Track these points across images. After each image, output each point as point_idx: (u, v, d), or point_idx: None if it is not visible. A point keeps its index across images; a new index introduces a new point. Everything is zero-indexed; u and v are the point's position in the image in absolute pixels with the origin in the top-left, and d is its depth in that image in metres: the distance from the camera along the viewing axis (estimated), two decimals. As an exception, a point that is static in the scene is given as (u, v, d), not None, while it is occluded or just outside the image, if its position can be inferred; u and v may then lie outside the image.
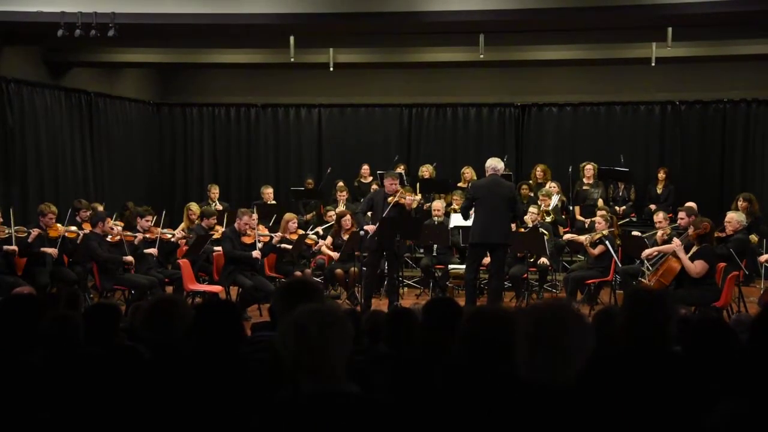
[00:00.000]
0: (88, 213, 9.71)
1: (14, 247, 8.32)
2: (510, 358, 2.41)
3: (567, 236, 10.23)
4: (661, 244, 8.80)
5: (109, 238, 8.85)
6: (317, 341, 2.28)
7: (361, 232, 9.15)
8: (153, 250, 9.14)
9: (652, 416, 2.72)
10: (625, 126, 13.31)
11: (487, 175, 8.58)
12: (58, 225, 8.94)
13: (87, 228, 9.18)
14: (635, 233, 9.80)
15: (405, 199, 8.88)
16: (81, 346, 3.60)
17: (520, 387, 2.29)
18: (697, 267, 7.54)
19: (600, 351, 3.70)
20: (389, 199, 8.81)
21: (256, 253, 8.94)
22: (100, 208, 10.07)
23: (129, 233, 9.03)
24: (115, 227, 9.11)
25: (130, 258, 8.77)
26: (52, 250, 8.64)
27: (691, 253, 7.67)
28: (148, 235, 9.23)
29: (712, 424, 2.16)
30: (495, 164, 8.54)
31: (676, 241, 7.90)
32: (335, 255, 10.03)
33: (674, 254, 7.76)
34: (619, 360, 2.97)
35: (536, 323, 2.32)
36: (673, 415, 2.73)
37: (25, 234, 8.52)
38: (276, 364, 2.39)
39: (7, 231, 8.44)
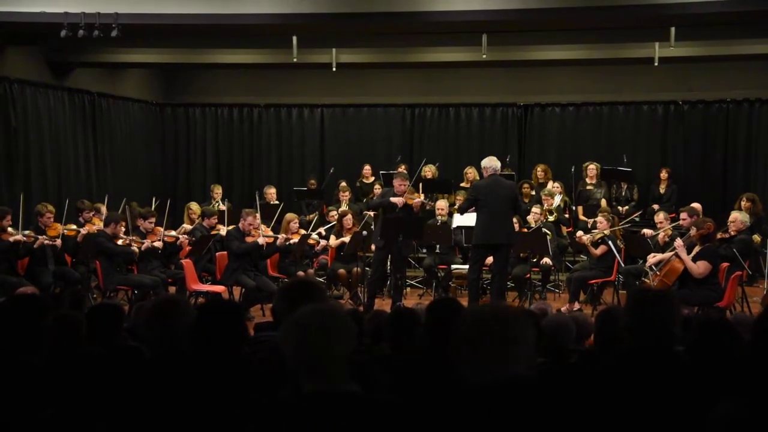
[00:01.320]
0: (90, 213, 9.72)
1: (19, 237, 8.32)
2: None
3: (578, 233, 10.14)
4: (663, 245, 8.80)
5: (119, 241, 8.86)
6: (319, 341, 2.28)
7: (364, 232, 9.13)
8: (159, 244, 9.13)
9: (656, 416, 2.72)
10: (627, 126, 13.30)
11: (486, 175, 8.57)
12: (57, 224, 8.95)
13: (89, 228, 9.20)
14: (648, 231, 9.75)
15: (413, 200, 8.88)
16: (84, 346, 3.61)
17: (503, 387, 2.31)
18: (699, 267, 7.53)
19: (603, 351, 3.71)
20: (393, 199, 8.81)
21: (262, 240, 9.04)
22: (103, 208, 10.07)
23: (137, 239, 9.01)
24: (121, 227, 9.10)
25: (135, 249, 8.80)
26: (56, 242, 8.65)
27: (693, 253, 7.67)
28: (151, 238, 9.22)
29: (712, 424, 2.16)
30: (493, 164, 8.53)
31: (678, 241, 7.89)
32: (338, 242, 10.06)
33: (677, 255, 7.75)
34: (623, 360, 2.96)
35: (476, 325, 2.34)
36: (677, 415, 2.73)
37: (33, 239, 8.53)
38: (283, 365, 2.39)
39: (14, 233, 8.44)
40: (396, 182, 8.97)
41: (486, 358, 2.30)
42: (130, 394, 2.95)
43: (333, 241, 10.23)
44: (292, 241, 9.52)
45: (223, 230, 9.91)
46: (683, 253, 7.64)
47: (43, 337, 3.44)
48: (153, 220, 9.43)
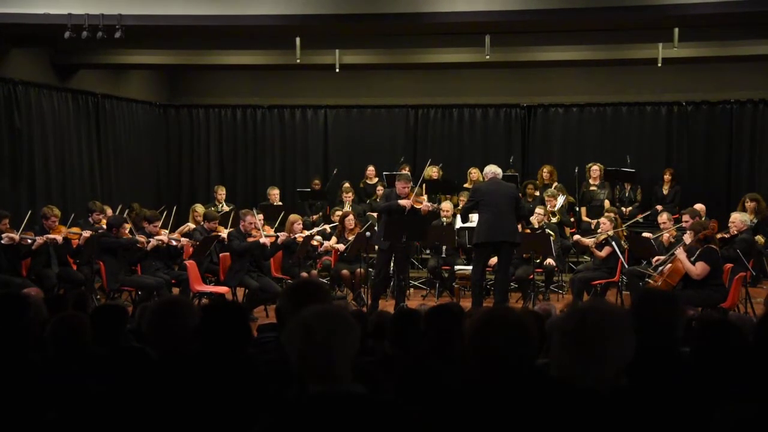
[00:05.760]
0: (100, 216, 9.72)
1: (14, 235, 8.25)
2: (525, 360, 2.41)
3: (575, 237, 10.18)
4: (667, 246, 8.79)
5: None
6: (324, 342, 2.28)
7: (367, 234, 9.14)
8: (163, 237, 9.13)
9: (662, 418, 2.72)
10: (631, 127, 13.29)
11: (486, 180, 8.69)
12: (62, 227, 8.95)
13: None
14: (646, 235, 9.74)
15: (421, 204, 8.86)
16: (88, 347, 3.61)
17: (547, 386, 2.28)
18: (697, 269, 7.53)
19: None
20: (401, 201, 8.78)
21: (264, 240, 9.01)
22: (109, 211, 10.07)
23: (143, 238, 9.00)
24: (125, 230, 9.09)
25: (143, 238, 8.79)
26: (41, 239, 8.45)
27: (696, 254, 7.66)
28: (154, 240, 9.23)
29: (717, 425, 2.15)
30: (494, 169, 8.74)
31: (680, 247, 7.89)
32: (341, 247, 10.00)
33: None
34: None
35: (577, 324, 2.32)
36: (682, 415, 2.72)
37: (31, 241, 8.48)
38: (287, 366, 2.39)
39: (13, 234, 8.42)
40: (399, 185, 8.89)
41: (581, 360, 2.28)
42: (135, 395, 2.96)
43: (333, 241, 10.21)
44: (296, 237, 9.51)
45: (224, 232, 9.87)
46: (682, 255, 7.65)
47: (48, 337, 3.45)
48: (158, 224, 9.41)
